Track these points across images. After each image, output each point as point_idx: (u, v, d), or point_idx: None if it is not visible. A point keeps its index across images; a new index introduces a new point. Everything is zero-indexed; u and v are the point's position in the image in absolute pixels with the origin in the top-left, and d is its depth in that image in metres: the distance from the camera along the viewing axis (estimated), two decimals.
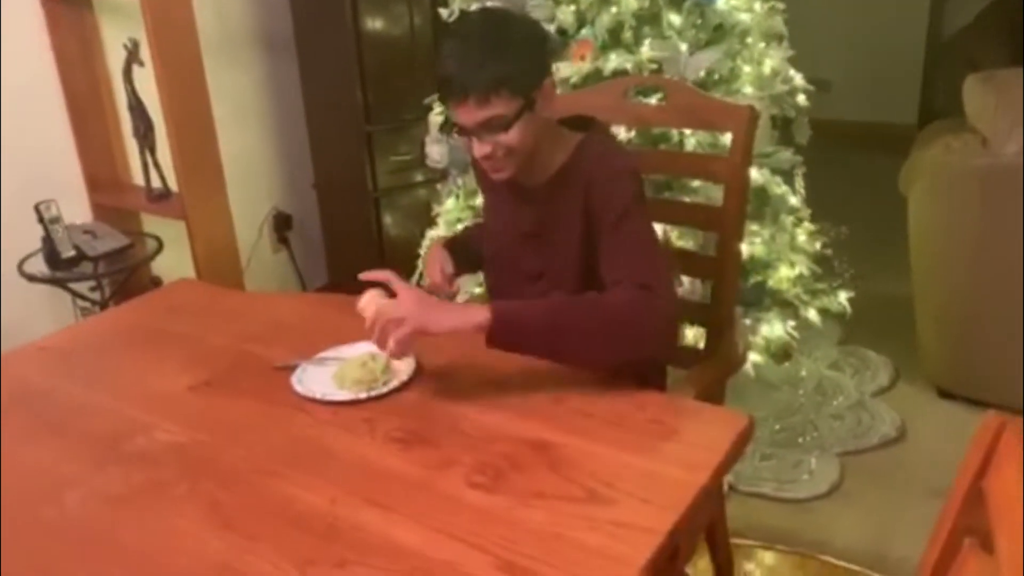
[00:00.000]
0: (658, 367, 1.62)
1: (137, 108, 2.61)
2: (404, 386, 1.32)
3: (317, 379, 1.36)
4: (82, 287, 2.54)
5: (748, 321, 2.41)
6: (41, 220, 2.40)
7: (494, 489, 1.08)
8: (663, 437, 1.16)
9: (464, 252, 1.65)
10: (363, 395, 1.30)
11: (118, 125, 2.80)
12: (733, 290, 1.77)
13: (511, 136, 1.35)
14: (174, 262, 2.74)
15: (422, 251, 2.67)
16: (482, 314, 1.24)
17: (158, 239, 2.65)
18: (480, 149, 1.37)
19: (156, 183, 2.69)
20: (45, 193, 2.47)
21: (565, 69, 2.35)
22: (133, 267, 2.57)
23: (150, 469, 1.18)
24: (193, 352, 1.50)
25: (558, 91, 2.42)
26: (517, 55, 1.32)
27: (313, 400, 1.30)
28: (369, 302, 1.31)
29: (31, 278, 2.42)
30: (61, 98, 2.68)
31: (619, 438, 1.15)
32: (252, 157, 3.29)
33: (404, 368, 1.36)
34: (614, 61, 2.22)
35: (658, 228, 2.17)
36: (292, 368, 1.40)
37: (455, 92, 1.31)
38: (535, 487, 1.07)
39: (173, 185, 2.66)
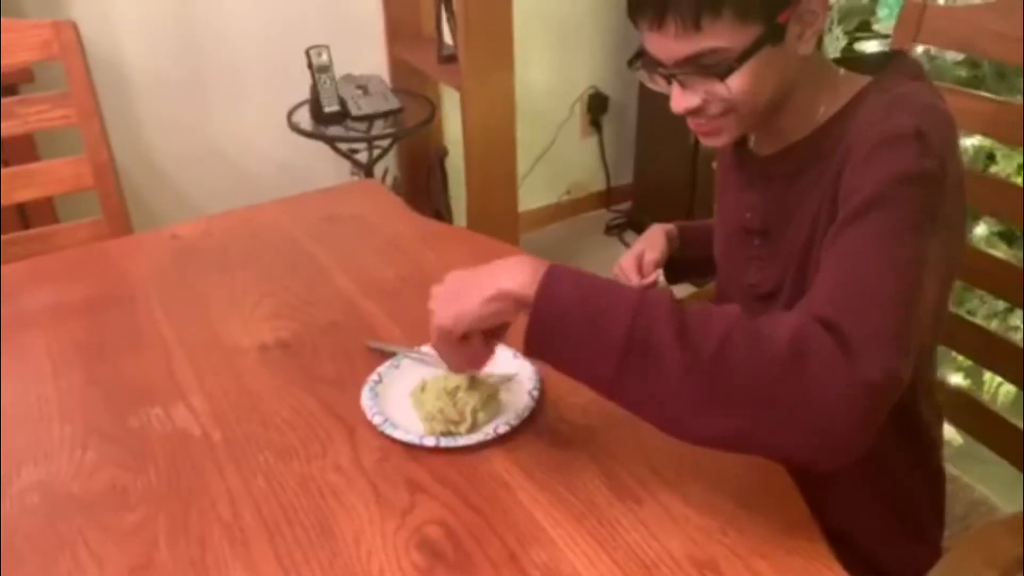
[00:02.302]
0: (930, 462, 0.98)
1: None
2: (499, 439, 0.87)
3: (398, 387, 0.94)
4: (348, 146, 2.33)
5: None
6: (310, 66, 2.19)
7: None
8: None
9: (695, 247, 1.11)
10: (430, 441, 0.86)
11: None
12: None
13: (735, 84, 0.77)
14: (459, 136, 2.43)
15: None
16: (526, 272, 0.72)
17: (432, 106, 2.35)
18: (683, 100, 0.81)
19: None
20: (343, 38, 2.25)
21: None
22: (397, 135, 2.29)
23: (120, 468, 0.86)
24: (304, 291, 1.16)
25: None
26: None
27: (370, 423, 0.90)
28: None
29: (294, 128, 2.24)
30: None
31: None
32: (581, 23, 2.84)
33: (515, 408, 0.90)
34: None
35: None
36: (388, 355, 1.00)
37: (649, 8, 0.76)
38: None
39: None
